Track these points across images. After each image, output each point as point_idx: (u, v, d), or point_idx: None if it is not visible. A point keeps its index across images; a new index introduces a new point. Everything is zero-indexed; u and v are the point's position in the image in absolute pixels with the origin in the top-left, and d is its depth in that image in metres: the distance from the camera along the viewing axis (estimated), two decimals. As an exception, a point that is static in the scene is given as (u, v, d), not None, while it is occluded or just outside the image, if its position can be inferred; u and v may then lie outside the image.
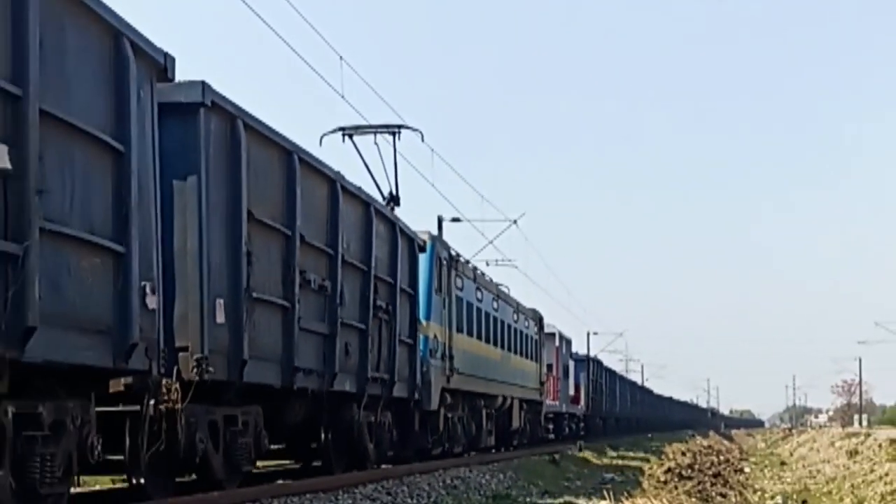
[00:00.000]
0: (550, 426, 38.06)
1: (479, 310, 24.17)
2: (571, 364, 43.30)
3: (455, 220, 36.39)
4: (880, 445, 34.37)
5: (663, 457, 30.98)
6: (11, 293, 6.89)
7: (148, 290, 8.88)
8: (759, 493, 25.09)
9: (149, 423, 9.52)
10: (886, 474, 25.17)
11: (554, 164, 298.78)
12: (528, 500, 16.21)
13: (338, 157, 42.20)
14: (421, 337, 18.40)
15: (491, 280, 27.26)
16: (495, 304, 26.33)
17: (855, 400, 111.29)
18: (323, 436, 14.85)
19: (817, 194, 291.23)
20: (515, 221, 38.92)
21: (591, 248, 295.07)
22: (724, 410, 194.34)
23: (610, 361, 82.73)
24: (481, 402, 24.40)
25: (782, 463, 42.45)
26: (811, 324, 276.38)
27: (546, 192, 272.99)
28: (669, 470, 25.25)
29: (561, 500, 16.42)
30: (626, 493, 17.90)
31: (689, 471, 26.14)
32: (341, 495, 12.58)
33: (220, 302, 10.72)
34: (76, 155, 7.87)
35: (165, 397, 9.69)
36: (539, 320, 34.64)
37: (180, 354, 10.11)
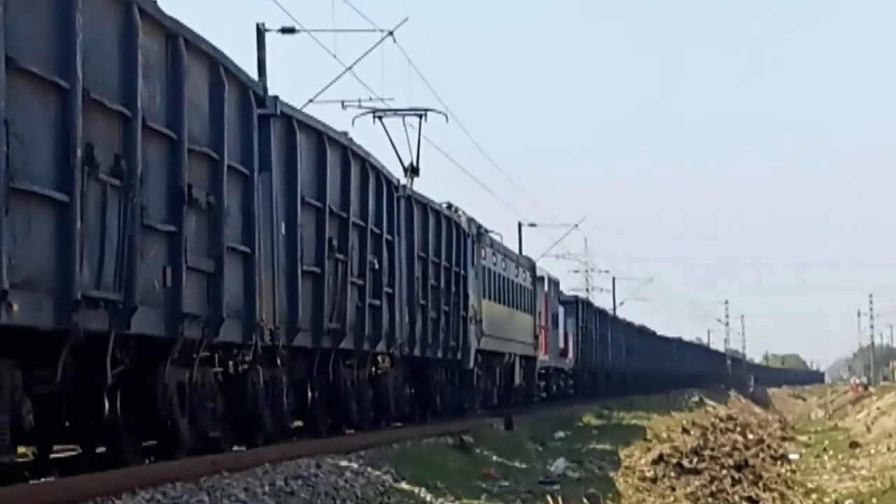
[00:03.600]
0: (542, 384, 36.11)
1: (494, 273, 26.92)
2: (560, 310, 39.71)
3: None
4: None
5: (653, 438, 23.72)
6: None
7: None
8: (814, 496, 18.43)
9: None
10: None
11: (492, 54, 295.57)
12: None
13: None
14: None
15: (500, 241, 28.96)
16: (504, 265, 28.50)
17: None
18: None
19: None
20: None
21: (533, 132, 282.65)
22: (756, 357, 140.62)
23: (561, 271, 68.91)
24: (495, 361, 26.74)
25: (853, 444, 31.78)
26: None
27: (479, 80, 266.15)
28: (661, 459, 18.61)
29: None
30: (585, 501, 12.71)
31: (696, 460, 19.54)
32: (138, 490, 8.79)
33: None
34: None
35: None
36: (532, 268, 34.43)
37: None
